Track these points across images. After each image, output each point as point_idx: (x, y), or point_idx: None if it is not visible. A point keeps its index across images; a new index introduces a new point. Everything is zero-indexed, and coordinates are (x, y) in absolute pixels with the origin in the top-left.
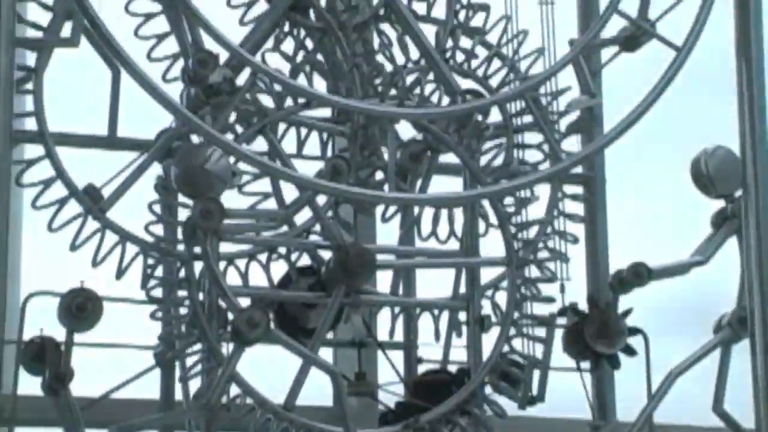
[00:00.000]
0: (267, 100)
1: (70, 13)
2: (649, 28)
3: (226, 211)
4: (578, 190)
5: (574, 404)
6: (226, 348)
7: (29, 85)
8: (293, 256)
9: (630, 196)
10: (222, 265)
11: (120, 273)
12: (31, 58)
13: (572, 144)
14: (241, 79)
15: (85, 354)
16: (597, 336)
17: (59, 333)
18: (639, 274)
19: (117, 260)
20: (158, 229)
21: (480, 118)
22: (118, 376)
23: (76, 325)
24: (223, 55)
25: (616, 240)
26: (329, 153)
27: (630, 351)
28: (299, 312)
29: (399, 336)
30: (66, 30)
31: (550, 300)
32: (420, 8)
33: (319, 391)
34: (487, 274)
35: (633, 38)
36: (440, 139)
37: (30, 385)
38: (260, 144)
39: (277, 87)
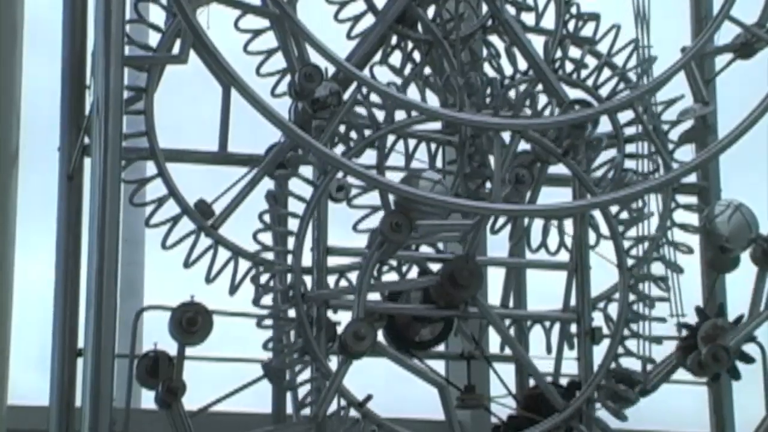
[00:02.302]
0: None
1: (179, 32)
2: (764, 35)
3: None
4: (693, 200)
5: (691, 418)
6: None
7: (140, 105)
8: (403, 269)
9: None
10: (333, 278)
11: (233, 289)
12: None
13: (686, 154)
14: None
15: (197, 367)
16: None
17: (172, 347)
18: None
19: (231, 275)
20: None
21: (590, 127)
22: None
23: (187, 338)
24: (332, 70)
25: None
26: (438, 164)
27: (747, 359)
28: (409, 325)
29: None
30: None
31: (661, 320)
32: (528, 19)
33: (431, 404)
34: (599, 287)
35: (747, 45)
36: (549, 150)
37: (136, 398)
38: (369, 156)
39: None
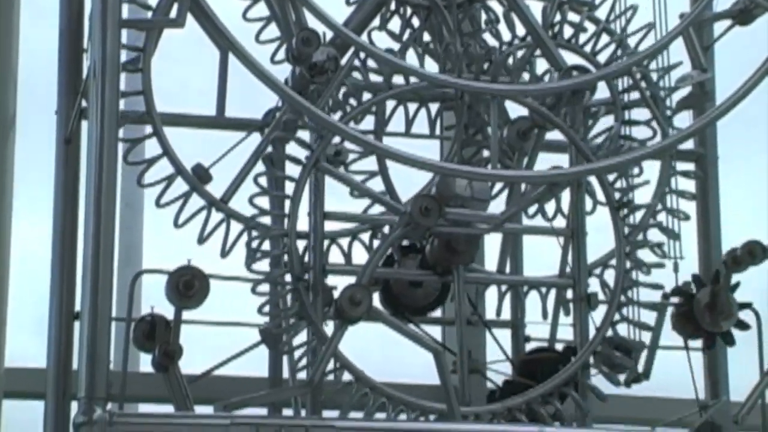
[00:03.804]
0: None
1: None
2: (762, 1)
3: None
4: (690, 167)
5: (685, 384)
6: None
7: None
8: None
9: (743, 173)
10: (324, 243)
11: (225, 251)
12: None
13: (684, 121)
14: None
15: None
16: (708, 315)
17: (170, 311)
18: (753, 253)
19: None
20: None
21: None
22: (227, 353)
23: (184, 302)
24: (329, 35)
25: (728, 218)
26: (437, 131)
27: (742, 325)
28: (405, 291)
29: (506, 314)
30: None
31: (658, 287)
32: None
33: (427, 369)
34: (595, 253)
35: (746, 11)
36: (544, 116)
37: (133, 362)
38: (368, 122)
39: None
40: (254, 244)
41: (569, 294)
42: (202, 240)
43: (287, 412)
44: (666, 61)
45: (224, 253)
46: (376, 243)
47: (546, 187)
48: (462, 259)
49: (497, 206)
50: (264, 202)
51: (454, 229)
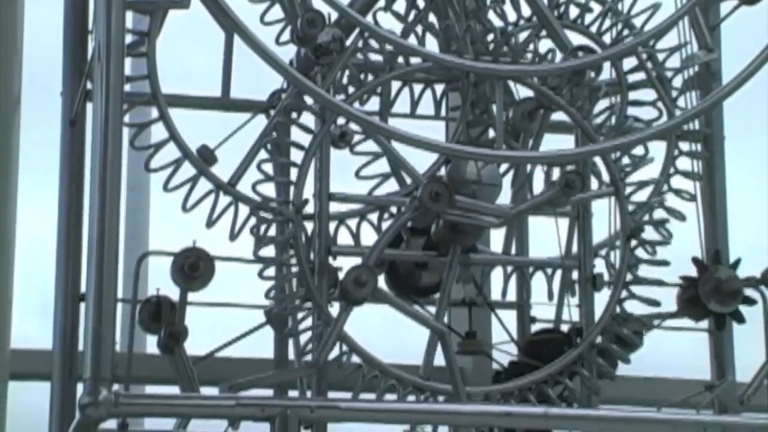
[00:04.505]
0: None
1: None
2: None
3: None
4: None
5: (690, 364)
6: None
7: (142, 49)
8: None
9: (750, 154)
10: (333, 225)
11: (233, 235)
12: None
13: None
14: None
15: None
16: (714, 296)
17: (175, 292)
18: None
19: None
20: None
21: (592, 74)
22: (233, 335)
23: (189, 284)
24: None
25: (732, 198)
26: (443, 112)
27: (748, 301)
28: (411, 271)
29: (512, 295)
30: None
31: (664, 263)
32: None
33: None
34: (601, 234)
35: None
36: (548, 97)
37: (139, 343)
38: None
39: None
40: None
41: (575, 275)
42: (210, 224)
43: (293, 393)
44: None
45: (233, 237)
46: (383, 224)
47: (559, 190)
48: (468, 240)
49: (504, 187)
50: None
51: (463, 220)
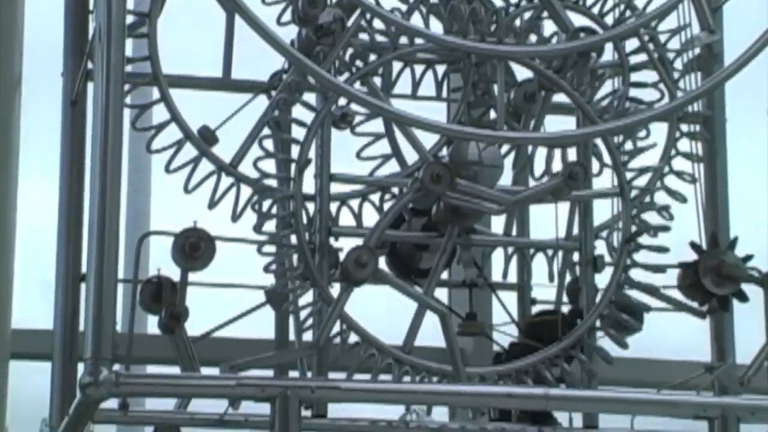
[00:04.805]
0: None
1: None
2: None
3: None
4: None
5: (690, 346)
6: None
7: (143, 30)
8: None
9: (752, 136)
10: (334, 205)
11: (235, 216)
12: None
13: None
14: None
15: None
16: (715, 279)
17: (176, 273)
18: None
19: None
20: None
21: (594, 56)
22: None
23: (190, 264)
24: None
25: (733, 181)
26: (444, 93)
27: (753, 279)
28: (411, 253)
29: (513, 277)
30: None
31: (663, 249)
32: None
33: (433, 331)
34: (602, 215)
35: None
36: (548, 79)
37: (140, 324)
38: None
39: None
40: (263, 207)
41: (576, 257)
42: (212, 205)
43: (293, 373)
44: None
45: (235, 217)
46: (385, 205)
47: (562, 181)
48: (467, 222)
49: (505, 168)
50: (271, 166)
51: (463, 204)
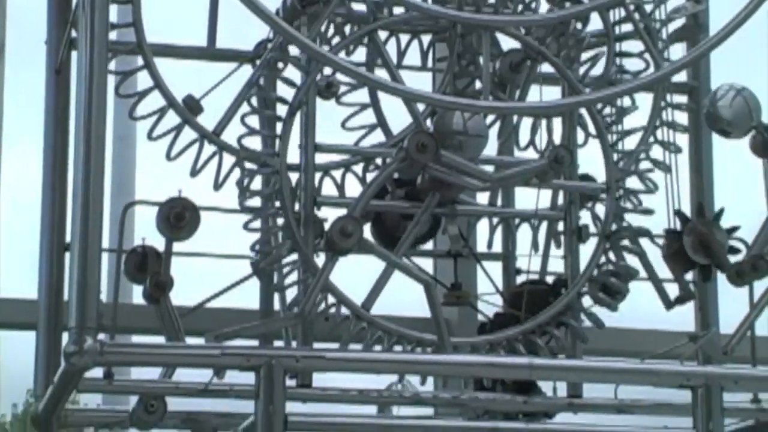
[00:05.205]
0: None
1: None
2: None
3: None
4: (683, 100)
5: (674, 316)
6: None
7: None
8: None
9: None
10: (317, 175)
11: (217, 184)
12: None
13: (679, 53)
14: None
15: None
16: (699, 248)
17: (160, 242)
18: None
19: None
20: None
21: (579, 26)
22: (218, 285)
23: (175, 234)
24: None
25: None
26: (429, 62)
27: (734, 251)
28: (396, 223)
29: (498, 247)
30: None
31: (649, 212)
32: None
33: (418, 302)
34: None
35: None
36: (534, 49)
37: (126, 293)
38: (359, 55)
39: None
40: (245, 181)
41: (560, 226)
42: (194, 173)
43: (278, 343)
44: None
45: (217, 186)
46: (368, 176)
47: (547, 164)
48: (451, 193)
49: (490, 138)
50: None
51: (447, 178)
